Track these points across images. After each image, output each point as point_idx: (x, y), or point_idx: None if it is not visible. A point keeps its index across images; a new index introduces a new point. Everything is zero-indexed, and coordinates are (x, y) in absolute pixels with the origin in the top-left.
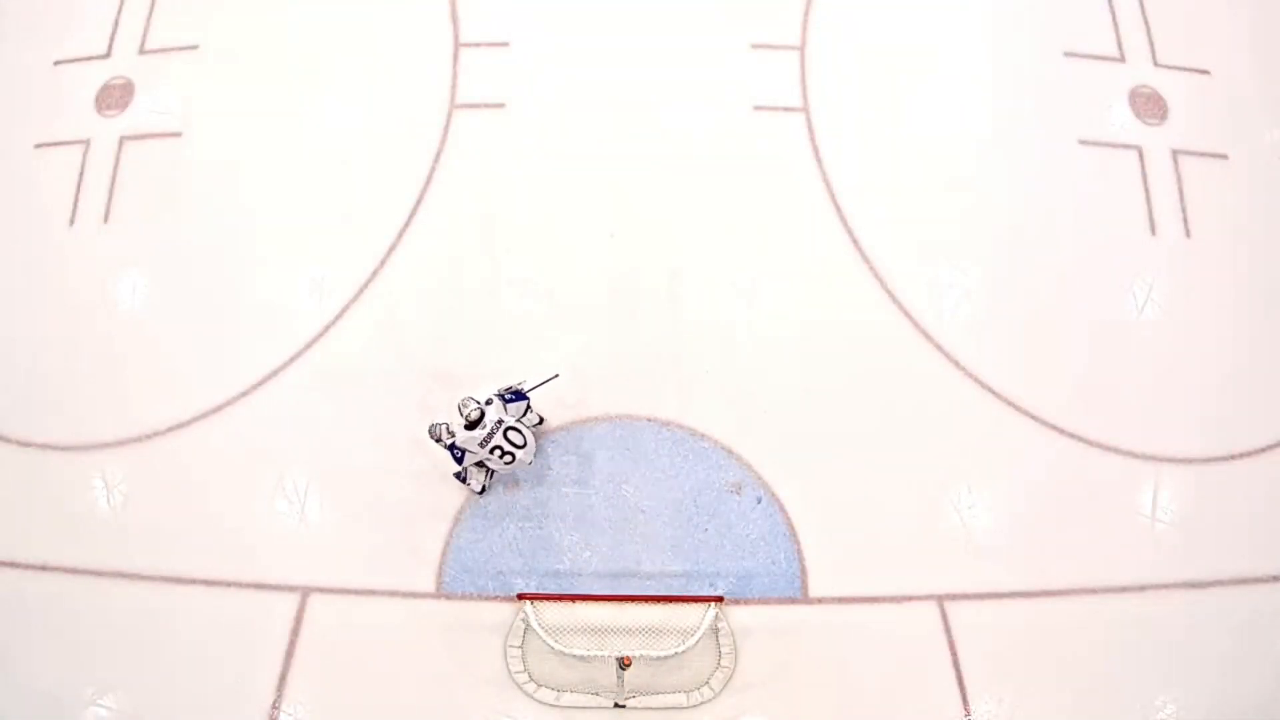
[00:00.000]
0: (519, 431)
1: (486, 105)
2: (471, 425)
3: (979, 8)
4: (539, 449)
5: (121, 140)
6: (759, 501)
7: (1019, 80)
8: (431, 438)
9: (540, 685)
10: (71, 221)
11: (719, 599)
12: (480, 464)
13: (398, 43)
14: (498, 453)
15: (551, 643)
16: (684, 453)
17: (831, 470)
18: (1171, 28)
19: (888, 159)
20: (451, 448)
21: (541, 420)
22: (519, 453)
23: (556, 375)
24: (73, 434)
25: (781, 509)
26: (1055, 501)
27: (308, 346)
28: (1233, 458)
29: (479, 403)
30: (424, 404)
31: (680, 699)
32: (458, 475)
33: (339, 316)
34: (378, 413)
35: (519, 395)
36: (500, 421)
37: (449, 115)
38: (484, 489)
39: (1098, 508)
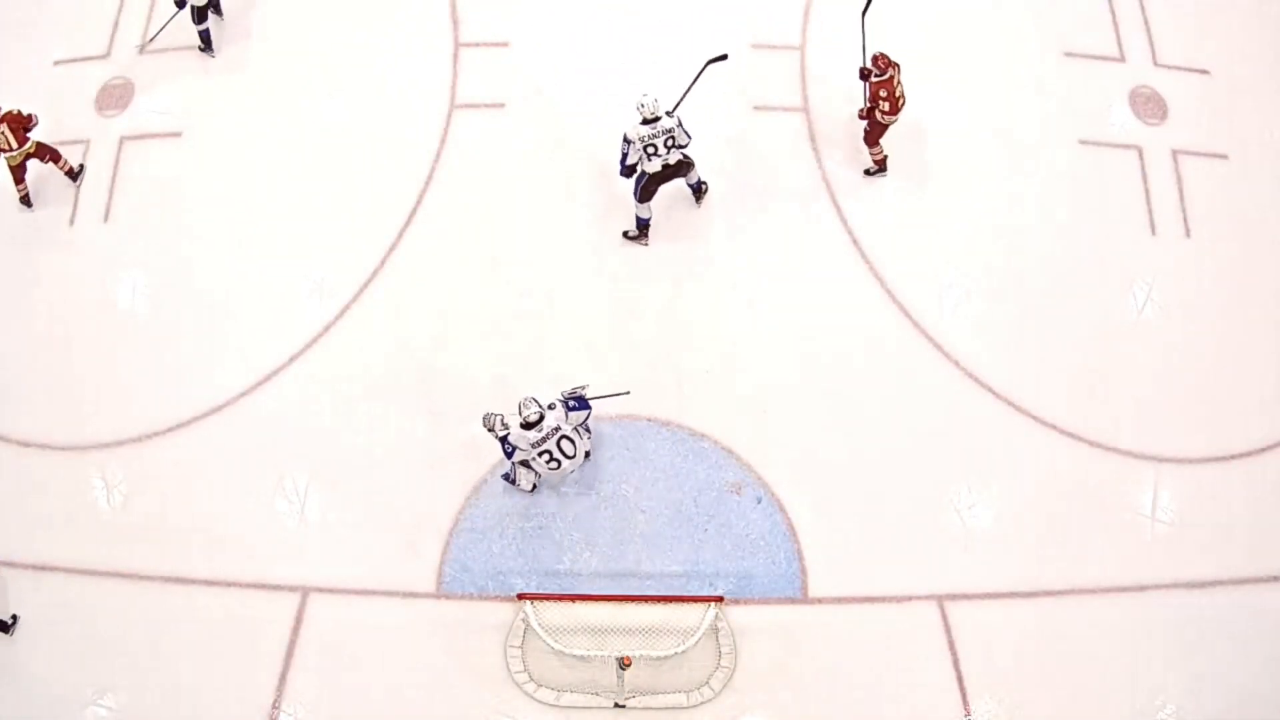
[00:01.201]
0: (572, 441)
1: (486, 105)
2: (528, 426)
3: (979, 8)
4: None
5: (121, 140)
6: (759, 501)
7: (1019, 80)
8: (484, 426)
9: (540, 685)
10: (71, 221)
11: (719, 599)
12: (525, 463)
13: (398, 43)
14: (546, 457)
15: (551, 643)
16: (684, 453)
17: (831, 470)
18: (1171, 28)
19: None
20: (503, 441)
21: (588, 454)
22: (566, 462)
23: (628, 391)
24: (73, 434)
25: (781, 509)
26: (1055, 501)
27: (308, 346)
28: (1233, 458)
29: (540, 406)
30: (424, 403)
31: (680, 699)
32: (506, 477)
33: (339, 316)
34: (377, 413)
35: (583, 403)
36: (558, 429)
37: (449, 115)
38: (534, 487)
39: (1098, 508)
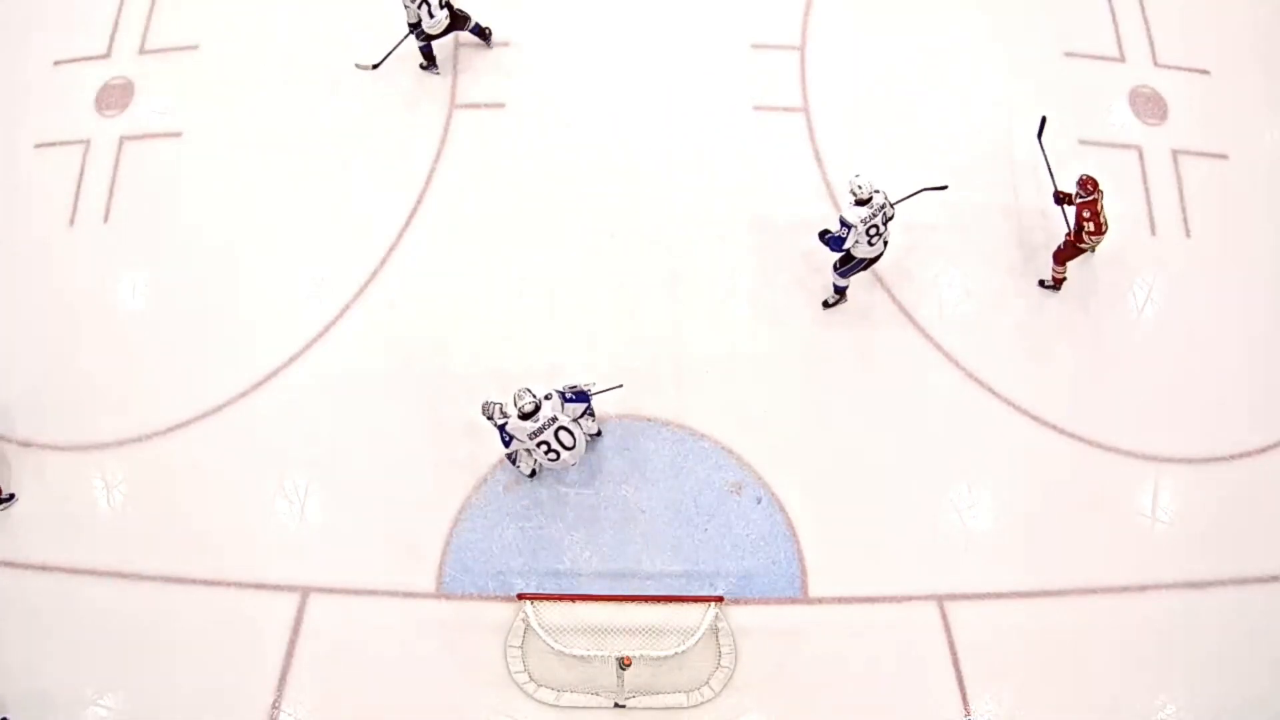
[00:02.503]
0: (570, 433)
1: (486, 105)
2: (525, 416)
3: (979, 8)
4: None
5: (121, 140)
6: (759, 501)
7: (1019, 80)
8: (483, 414)
9: (540, 685)
10: (71, 221)
11: (719, 599)
12: (528, 451)
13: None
14: (544, 448)
15: (551, 643)
16: (684, 453)
17: (831, 470)
18: (1171, 28)
19: (888, 159)
20: (501, 429)
21: (599, 433)
22: (565, 454)
23: (621, 385)
24: (73, 434)
25: (781, 509)
26: (1055, 501)
27: (308, 346)
28: (1233, 458)
29: (534, 396)
30: (424, 403)
31: (680, 699)
32: (509, 457)
33: (339, 316)
34: (377, 413)
35: (581, 396)
36: (554, 419)
37: (449, 115)
38: (534, 473)
39: (1098, 508)
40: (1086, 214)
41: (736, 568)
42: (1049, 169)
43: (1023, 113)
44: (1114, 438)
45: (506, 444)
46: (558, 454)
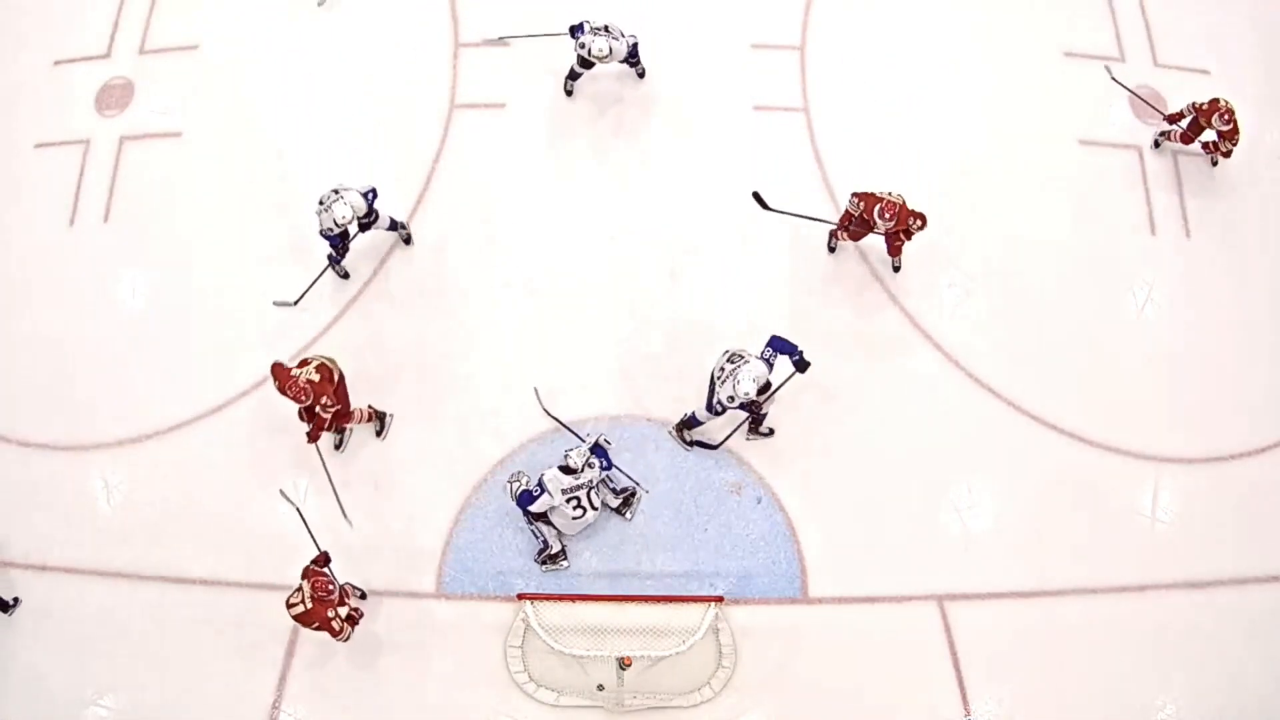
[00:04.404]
0: (599, 495)
1: (486, 105)
2: (567, 471)
3: (979, 8)
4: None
5: (121, 140)
6: (759, 501)
7: (1019, 80)
8: (509, 481)
9: (540, 685)
10: (71, 221)
11: (719, 599)
12: (545, 519)
13: (398, 43)
14: (574, 503)
15: (551, 643)
16: (684, 453)
17: (831, 470)
18: (1171, 28)
19: (888, 159)
20: (528, 494)
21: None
22: (590, 514)
23: (648, 491)
24: (73, 434)
25: (781, 509)
26: (1055, 501)
27: (308, 346)
28: (1233, 458)
29: (586, 457)
30: (424, 403)
31: (680, 699)
32: (541, 560)
33: (338, 317)
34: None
35: (603, 454)
36: (592, 481)
37: (449, 115)
38: (564, 550)
39: (1097, 508)
40: (887, 214)
41: (736, 568)
42: (807, 217)
43: (1022, 113)
44: (1114, 438)
45: (529, 501)
46: (585, 511)
